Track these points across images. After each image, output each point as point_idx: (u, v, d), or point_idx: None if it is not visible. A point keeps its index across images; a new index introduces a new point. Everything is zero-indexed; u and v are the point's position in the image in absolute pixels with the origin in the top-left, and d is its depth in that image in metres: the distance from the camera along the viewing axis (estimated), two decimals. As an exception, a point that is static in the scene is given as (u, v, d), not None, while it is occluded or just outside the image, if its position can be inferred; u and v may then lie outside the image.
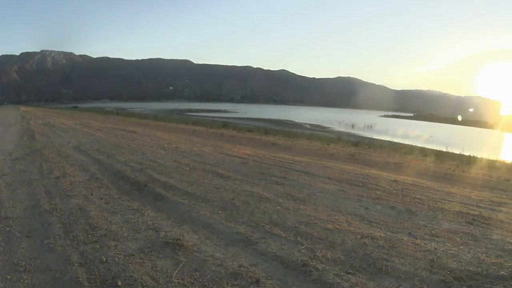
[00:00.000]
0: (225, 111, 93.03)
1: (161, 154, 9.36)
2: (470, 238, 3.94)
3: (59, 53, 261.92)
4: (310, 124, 55.34)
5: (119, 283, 2.74)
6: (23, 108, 48.51)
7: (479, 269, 3.11)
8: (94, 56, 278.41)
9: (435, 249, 3.54)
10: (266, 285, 2.77)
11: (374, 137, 34.81)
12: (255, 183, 6.30)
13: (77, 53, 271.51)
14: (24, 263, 3.07)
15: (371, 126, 55.16)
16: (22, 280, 2.80)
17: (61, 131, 15.48)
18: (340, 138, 26.30)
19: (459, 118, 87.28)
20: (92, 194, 5.17)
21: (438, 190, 6.92)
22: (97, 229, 3.80)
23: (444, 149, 22.49)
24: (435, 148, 23.11)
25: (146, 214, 4.37)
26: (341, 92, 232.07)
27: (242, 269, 2.99)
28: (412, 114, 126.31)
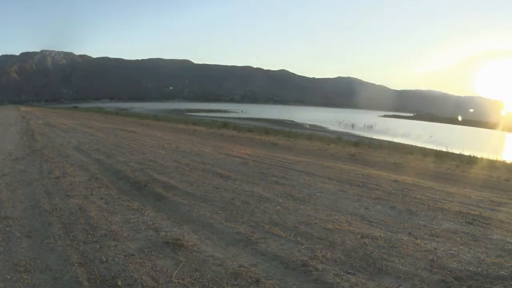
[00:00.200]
0: (225, 111, 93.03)
1: (161, 154, 9.36)
2: (470, 238, 3.94)
3: (59, 53, 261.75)
4: (310, 124, 55.36)
5: (119, 283, 2.74)
6: (23, 108, 48.47)
7: (479, 269, 3.11)
8: (94, 56, 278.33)
9: (435, 249, 3.54)
10: (266, 285, 2.77)
11: (374, 137, 34.84)
12: (255, 183, 6.30)
13: (77, 53, 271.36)
14: (24, 263, 3.07)
15: (371, 126, 55.19)
16: (22, 280, 2.80)
17: (61, 131, 15.48)
18: (340, 138, 26.32)
19: (459, 118, 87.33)
20: (92, 194, 5.17)
21: (438, 190, 6.92)
22: (97, 229, 3.81)
23: (444, 149, 22.51)
24: (435, 148, 23.13)
25: (146, 214, 4.37)
26: (341, 92, 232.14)
27: (242, 269, 2.99)
28: (412, 114, 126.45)
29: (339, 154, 14.77)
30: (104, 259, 3.11)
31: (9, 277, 2.85)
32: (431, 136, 40.07)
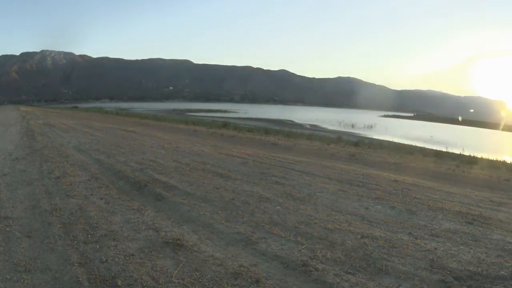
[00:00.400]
0: (225, 111, 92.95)
1: (161, 154, 9.36)
2: (470, 238, 3.94)
3: (59, 53, 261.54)
4: (310, 124, 55.35)
5: (119, 283, 2.74)
6: (23, 108, 48.45)
7: (479, 269, 3.11)
8: (94, 56, 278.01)
9: (435, 249, 3.54)
10: (266, 285, 2.77)
11: (374, 137, 34.85)
12: (255, 183, 6.30)
13: (77, 53, 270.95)
14: (24, 263, 3.07)
15: (371, 126, 55.21)
16: (22, 280, 2.80)
17: (61, 131, 15.48)
18: (340, 138, 26.30)
19: (460, 118, 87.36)
20: (92, 194, 5.17)
21: (438, 190, 6.92)
22: (97, 229, 3.81)
23: (444, 149, 22.52)
24: (435, 148, 23.14)
25: (146, 214, 4.37)
26: (341, 92, 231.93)
27: (242, 269, 2.99)
28: (412, 114, 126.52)
29: (339, 154, 14.77)
30: (104, 259, 3.11)
31: (9, 277, 2.85)
32: (431, 136, 40.07)
